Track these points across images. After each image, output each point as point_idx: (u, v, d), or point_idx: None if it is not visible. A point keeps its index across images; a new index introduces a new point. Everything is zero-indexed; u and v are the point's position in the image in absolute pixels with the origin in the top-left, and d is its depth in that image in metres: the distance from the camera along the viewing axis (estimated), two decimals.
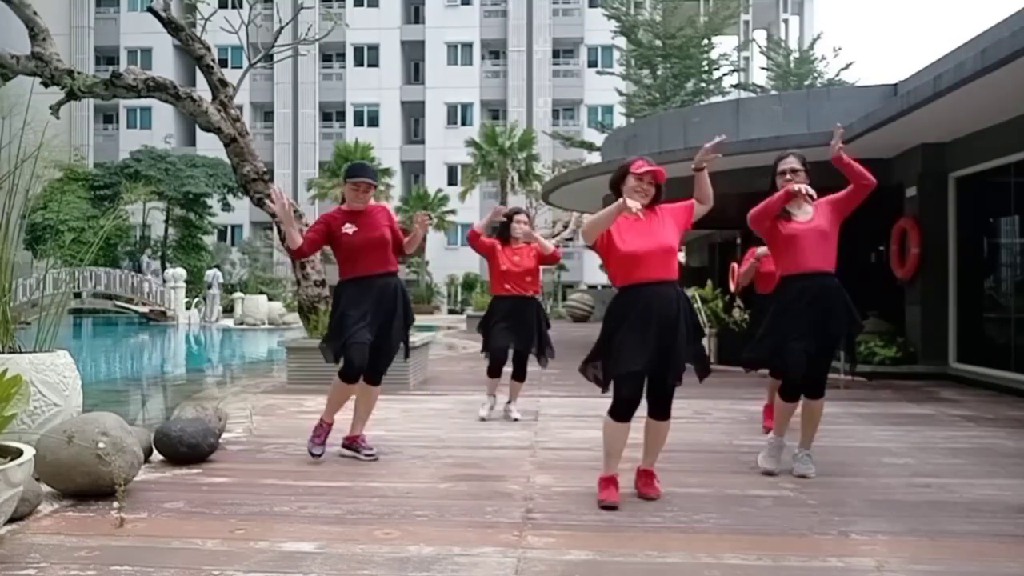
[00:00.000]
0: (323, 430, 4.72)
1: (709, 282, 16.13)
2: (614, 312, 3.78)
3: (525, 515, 3.59)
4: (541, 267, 6.32)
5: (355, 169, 4.74)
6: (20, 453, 3.11)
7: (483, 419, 6.20)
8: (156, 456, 4.60)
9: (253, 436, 5.47)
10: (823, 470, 4.53)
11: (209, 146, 30.43)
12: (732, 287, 6.84)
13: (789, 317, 4.22)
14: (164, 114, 39.80)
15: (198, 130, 14.11)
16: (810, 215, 4.32)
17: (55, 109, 8.55)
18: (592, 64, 40.60)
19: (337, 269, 4.72)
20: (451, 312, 34.45)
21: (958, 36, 78.13)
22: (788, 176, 4.36)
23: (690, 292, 15.92)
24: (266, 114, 42.94)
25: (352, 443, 4.84)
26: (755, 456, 4.89)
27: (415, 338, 8.51)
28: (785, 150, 4.65)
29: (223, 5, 15.52)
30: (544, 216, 31.46)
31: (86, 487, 3.69)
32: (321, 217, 4.78)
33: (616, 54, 33.34)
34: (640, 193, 3.78)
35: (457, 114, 42.14)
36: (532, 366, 6.42)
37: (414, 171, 42.20)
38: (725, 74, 29.12)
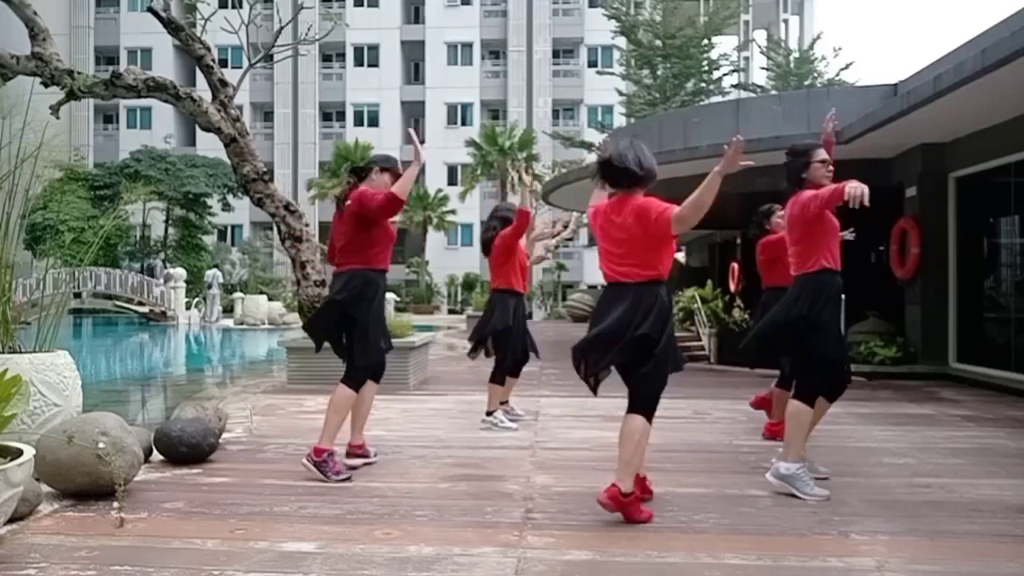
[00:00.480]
0: (335, 460, 4.27)
1: (709, 282, 16.12)
2: (669, 308, 3.57)
3: (525, 515, 3.59)
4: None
5: (391, 158, 4.61)
6: (20, 453, 3.11)
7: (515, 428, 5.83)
8: (156, 456, 4.60)
9: (253, 436, 5.47)
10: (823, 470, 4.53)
11: (209, 146, 30.42)
12: (732, 287, 6.89)
13: (838, 315, 4.08)
14: (164, 114, 39.79)
15: (198, 130, 14.09)
16: None
17: (55, 109, 8.54)
18: (592, 64, 40.59)
19: (357, 258, 4.35)
20: (451, 312, 34.44)
21: (958, 36, 78.19)
22: (830, 168, 4.21)
23: (690, 292, 15.94)
24: (266, 114, 42.93)
25: (361, 450, 4.66)
26: (755, 456, 4.89)
27: (415, 338, 8.53)
28: (807, 142, 4.44)
29: (223, 5, 15.51)
30: (544, 216, 31.46)
31: (86, 487, 3.69)
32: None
33: (616, 54, 33.35)
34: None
35: (457, 114, 42.13)
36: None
37: None
38: (725, 74, 29.12)
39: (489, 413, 5.92)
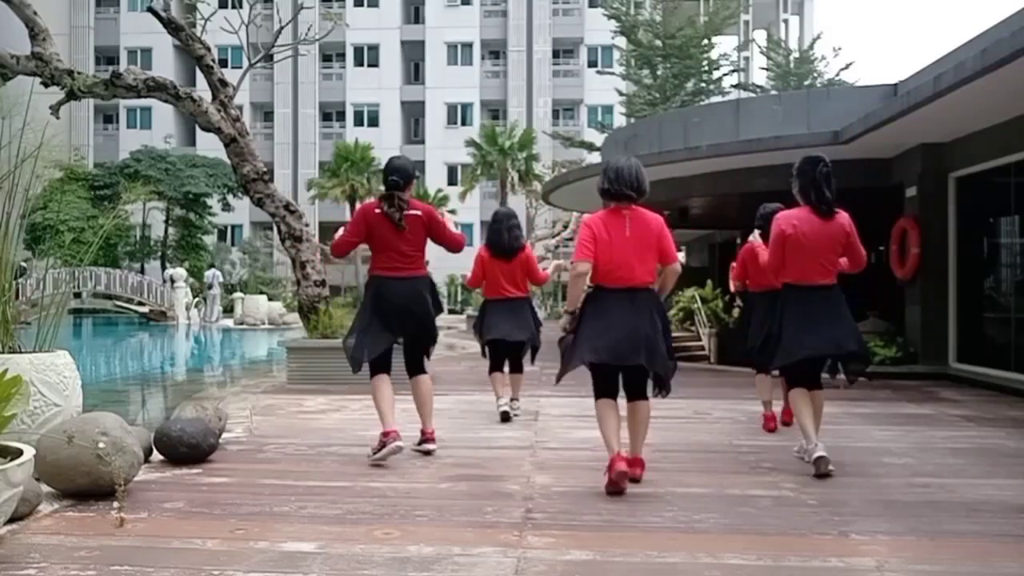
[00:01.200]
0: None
1: (709, 282, 16.12)
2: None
3: (525, 515, 3.59)
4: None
5: None
6: (20, 453, 3.11)
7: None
8: (156, 456, 4.59)
9: (253, 436, 5.47)
10: None
11: (209, 146, 30.41)
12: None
13: None
14: (164, 114, 39.77)
15: (198, 130, 14.11)
16: None
17: (55, 109, 8.55)
18: (592, 64, 40.59)
19: (422, 266, 4.86)
20: (451, 312, 34.40)
21: (958, 36, 78.15)
22: None
23: (690, 292, 15.91)
24: (266, 114, 42.93)
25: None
26: (755, 456, 4.90)
27: None
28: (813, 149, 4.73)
29: (223, 5, 15.51)
30: (544, 216, 31.46)
31: (86, 487, 3.69)
32: None
33: (616, 54, 33.34)
34: None
35: (457, 114, 42.13)
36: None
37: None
38: (725, 74, 29.13)
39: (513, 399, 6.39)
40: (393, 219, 4.59)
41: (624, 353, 3.95)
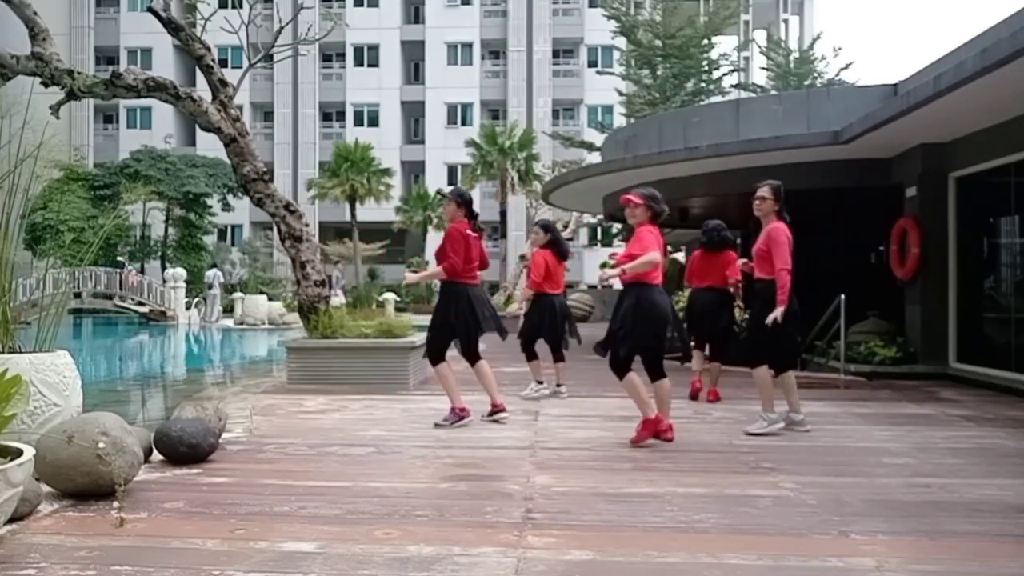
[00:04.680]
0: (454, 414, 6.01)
1: None
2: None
3: (525, 515, 3.59)
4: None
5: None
6: (20, 453, 3.11)
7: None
8: (156, 456, 4.59)
9: (253, 436, 5.47)
10: (823, 470, 4.53)
11: (209, 146, 30.43)
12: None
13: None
14: (164, 114, 39.79)
15: (198, 130, 14.10)
16: None
17: (55, 109, 8.53)
18: (592, 64, 40.60)
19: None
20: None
21: (958, 36, 78.14)
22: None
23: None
24: (266, 114, 42.93)
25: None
26: (755, 456, 4.90)
27: (415, 338, 8.51)
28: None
29: (223, 5, 15.53)
30: (544, 216, 31.43)
31: (86, 487, 3.69)
32: None
33: (616, 54, 33.32)
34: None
35: (457, 114, 42.14)
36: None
37: (414, 171, 42.22)
38: (725, 74, 29.09)
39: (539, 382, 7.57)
40: (479, 232, 6.14)
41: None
